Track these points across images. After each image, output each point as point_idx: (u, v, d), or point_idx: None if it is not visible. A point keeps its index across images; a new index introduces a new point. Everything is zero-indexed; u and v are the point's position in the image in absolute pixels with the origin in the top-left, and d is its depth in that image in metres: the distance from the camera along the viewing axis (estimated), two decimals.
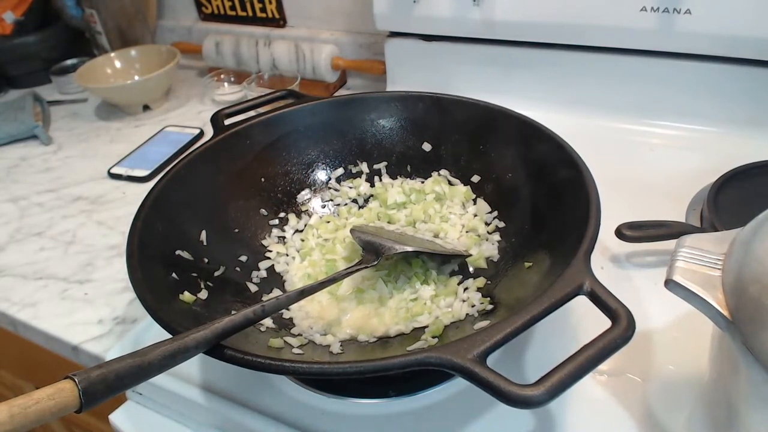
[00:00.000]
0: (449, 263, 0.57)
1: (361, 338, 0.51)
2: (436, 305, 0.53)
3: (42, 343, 0.65)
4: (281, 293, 0.56)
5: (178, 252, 0.53)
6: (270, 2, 1.08)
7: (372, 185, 0.67)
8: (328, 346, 0.50)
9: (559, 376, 0.33)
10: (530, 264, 0.52)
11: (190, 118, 1.03)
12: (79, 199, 0.84)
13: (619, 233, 0.58)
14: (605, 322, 0.36)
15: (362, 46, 1.02)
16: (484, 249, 0.58)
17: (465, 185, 0.64)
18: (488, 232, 0.60)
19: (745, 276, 0.34)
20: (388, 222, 0.64)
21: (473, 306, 0.52)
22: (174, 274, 0.50)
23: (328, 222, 0.64)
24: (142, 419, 0.54)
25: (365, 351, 0.49)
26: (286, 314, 0.54)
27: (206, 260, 0.55)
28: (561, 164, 0.52)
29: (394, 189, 0.65)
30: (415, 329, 0.52)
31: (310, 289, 0.45)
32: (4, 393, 0.98)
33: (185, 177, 0.58)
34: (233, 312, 0.40)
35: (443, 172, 0.65)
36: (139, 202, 0.53)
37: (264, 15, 1.10)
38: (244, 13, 1.12)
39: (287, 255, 0.61)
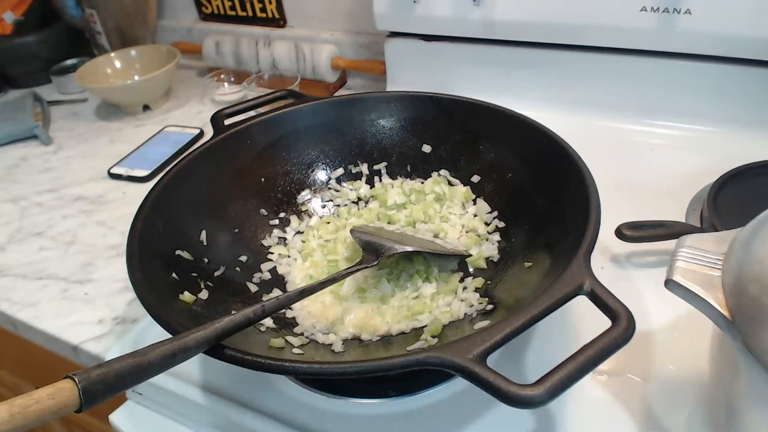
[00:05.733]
0: (450, 261, 0.57)
1: (364, 337, 0.51)
2: (435, 304, 0.53)
3: (42, 343, 0.65)
4: (281, 293, 0.56)
5: (178, 252, 0.53)
6: (270, 2, 1.08)
7: (372, 186, 0.67)
8: (330, 345, 0.50)
9: (559, 376, 0.33)
10: (530, 264, 0.52)
11: (190, 118, 1.03)
12: (79, 199, 0.84)
13: (619, 233, 0.58)
14: (605, 322, 0.36)
15: (362, 46, 1.02)
16: (484, 249, 0.58)
17: (465, 185, 0.64)
18: (488, 232, 0.60)
19: (745, 276, 0.34)
20: (388, 222, 0.64)
21: (471, 306, 0.52)
22: (174, 274, 0.50)
23: (329, 223, 0.64)
24: (142, 419, 0.54)
25: (367, 350, 0.49)
26: (288, 314, 0.54)
27: (206, 260, 0.55)
28: (561, 164, 0.52)
29: (394, 189, 0.65)
30: (415, 329, 0.52)
31: (311, 289, 0.45)
32: (4, 393, 0.98)
33: (185, 177, 0.58)
34: (233, 312, 0.40)
35: (443, 172, 0.65)
36: (139, 202, 0.53)
37: (264, 15, 1.10)
38: (244, 13, 1.12)
39: (289, 256, 0.61)
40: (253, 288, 0.56)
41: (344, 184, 0.67)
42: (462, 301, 0.53)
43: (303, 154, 0.67)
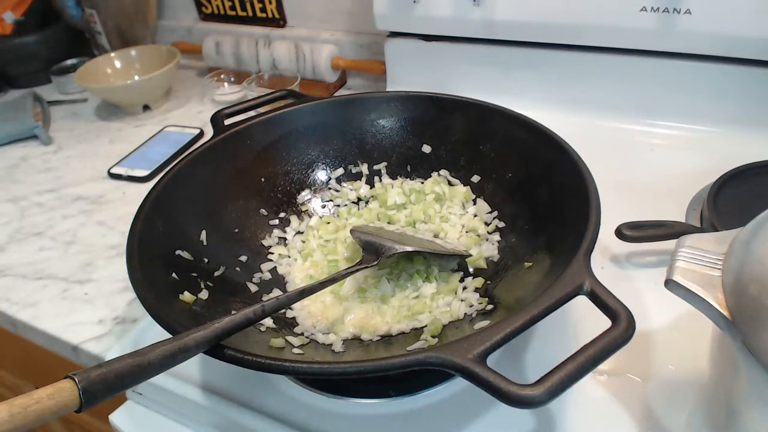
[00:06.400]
0: (450, 261, 0.58)
1: (364, 337, 0.51)
2: (435, 304, 0.53)
3: (42, 343, 0.65)
4: (281, 293, 0.56)
5: (178, 252, 0.53)
6: (270, 2, 1.08)
7: (372, 186, 0.67)
8: (331, 345, 0.50)
9: (559, 376, 0.33)
10: (530, 264, 0.52)
11: (190, 118, 1.03)
12: (79, 199, 0.84)
13: (619, 233, 0.58)
14: (605, 322, 0.36)
15: (362, 46, 1.02)
16: (484, 249, 0.58)
17: (465, 185, 0.64)
18: (488, 232, 0.60)
19: (745, 276, 0.34)
20: (388, 222, 0.64)
21: (471, 306, 0.52)
22: (174, 274, 0.50)
23: (329, 223, 0.64)
24: (142, 419, 0.54)
25: (368, 350, 0.49)
26: (289, 314, 0.54)
27: (206, 260, 0.55)
28: (561, 164, 0.52)
29: (394, 190, 0.65)
30: (415, 329, 0.52)
31: (310, 289, 0.45)
32: (4, 393, 0.98)
33: (185, 177, 0.58)
34: (233, 312, 0.40)
35: (443, 172, 0.65)
36: (139, 202, 0.53)
37: (264, 15, 1.10)
38: (244, 13, 1.12)
39: (289, 257, 0.61)
40: (253, 288, 0.56)
41: (344, 184, 0.67)
42: (462, 301, 0.53)
43: (303, 154, 0.67)
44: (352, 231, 0.57)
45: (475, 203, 0.63)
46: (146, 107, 1.07)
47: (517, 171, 0.60)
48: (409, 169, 0.67)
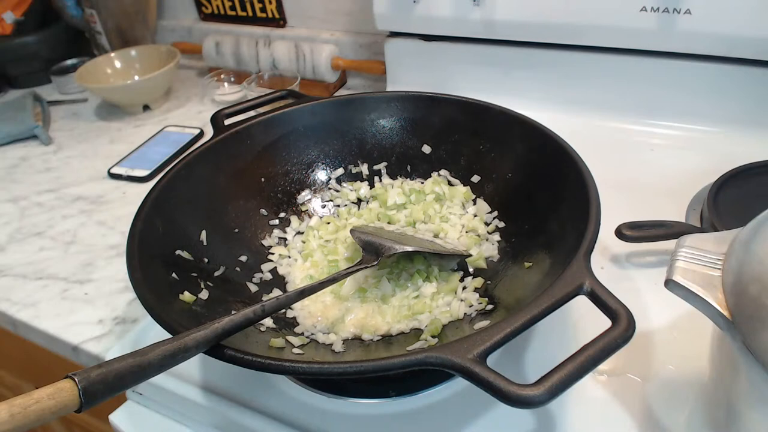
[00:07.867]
0: (450, 260, 0.58)
1: (365, 337, 0.51)
2: (435, 303, 0.53)
3: (42, 343, 0.65)
4: (281, 293, 0.56)
5: (178, 252, 0.53)
6: (270, 2, 1.08)
7: (372, 186, 0.67)
8: (331, 345, 0.50)
9: (559, 376, 0.33)
10: (530, 264, 0.52)
11: (190, 118, 1.03)
12: (79, 199, 0.84)
13: (619, 233, 0.58)
14: (605, 322, 0.36)
15: (362, 46, 1.02)
16: (484, 249, 0.58)
17: (465, 185, 0.64)
18: (488, 232, 0.60)
19: (745, 276, 0.34)
20: (388, 222, 0.64)
21: (471, 306, 0.52)
22: (174, 274, 0.50)
23: (329, 223, 0.64)
24: (142, 419, 0.54)
25: (368, 350, 0.49)
26: (289, 314, 0.54)
27: (206, 260, 0.55)
28: (561, 164, 0.52)
29: (394, 190, 0.65)
30: (414, 329, 0.52)
31: (310, 289, 0.46)
32: (4, 393, 0.98)
33: (185, 177, 0.58)
34: (233, 312, 0.40)
35: (443, 172, 0.65)
36: (139, 202, 0.53)
37: (264, 15, 1.10)
38: (244, 13, 1.12)
39: (289, 257, 0.61)
40: (253, 288, 0.56)
41: (344, 185, 0.67)
42: (462, 301, 0.53)
43: (303, 154, 0.67)
44: (352, 231, 0.57)
45: (475, 203, 0.63)
46: (146, 107, 1.07)
47: (517, 171, 0.60)
48: (409, 169, 0.67)
